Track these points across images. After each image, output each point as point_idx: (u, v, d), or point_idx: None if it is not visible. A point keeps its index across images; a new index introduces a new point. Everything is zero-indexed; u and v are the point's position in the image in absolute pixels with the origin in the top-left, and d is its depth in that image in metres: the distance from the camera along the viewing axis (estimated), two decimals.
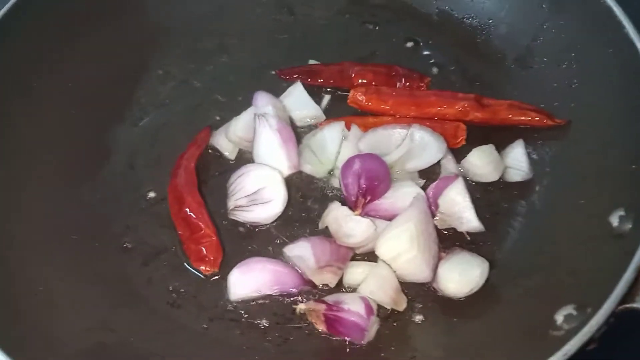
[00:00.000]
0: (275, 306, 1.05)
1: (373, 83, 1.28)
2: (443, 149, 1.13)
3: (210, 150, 1.25)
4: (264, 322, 1.04)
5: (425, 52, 1.36)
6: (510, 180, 1.15)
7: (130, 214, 1.19)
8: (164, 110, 1.33)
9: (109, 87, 1.33)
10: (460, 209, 1.05)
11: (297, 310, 1.01)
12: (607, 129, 1.08)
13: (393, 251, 0.99)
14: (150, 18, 1.42)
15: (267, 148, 1.16)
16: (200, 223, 1.09)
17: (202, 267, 1.08)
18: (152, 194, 1.20)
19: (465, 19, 1.38)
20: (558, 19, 1.23)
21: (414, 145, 1.13)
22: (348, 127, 1.21)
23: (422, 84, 1.28)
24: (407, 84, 1.27)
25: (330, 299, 1.00)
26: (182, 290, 1.09)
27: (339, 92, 1.30)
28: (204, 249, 1.08)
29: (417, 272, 1.00)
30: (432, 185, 1.10)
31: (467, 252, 1.03)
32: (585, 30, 1.17)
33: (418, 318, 1.02)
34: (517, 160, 1.15)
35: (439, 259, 1.03)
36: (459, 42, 1.37)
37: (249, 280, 1.04)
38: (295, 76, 1.33)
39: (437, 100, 1.22)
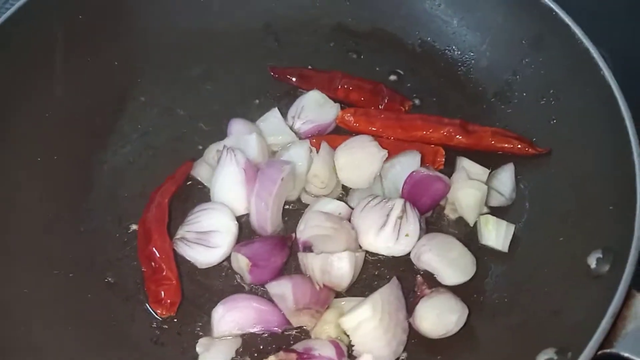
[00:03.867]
0: (262, 344, 1.06)
1: (362, 99, 1.33)
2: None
3: (189, 181, 1.25)
4: (246, 359, 1.04)
5: (408, 84, 1.38)
6: (489, 205, 1.18)
7: (112, 247, 1.18)
8: (147, 139, 1.32)
9: (91, 115, 1.32)
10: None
11: None
12: (585, 167, 1.11)
13: (354, 320, 0.98)
14: (134, 45, 1.41)
15: (228, 183, 1.16)
16: (163, 264, 1.08)
17: (158, 310, 1.07)
18: (134, 227, 1.19)
19: (446, 51, 1.41)
20: (537, 56, 1.26)
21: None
22: (316, 146, 1.23)
23: (402, 107, 1.32)
24: (389, 103, 1.31)
25: (299, 346, 1.00)
26: (166, 326, 1.09)
27: None
28: (162, 292, 1.07)
29: (376, 347, 0.97)
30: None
31: (450, 295, 1.04)
32: (564, 68, 1.20)
33: (402, 356, 1.03)
34: (503, 184, 1.19)
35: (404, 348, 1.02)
36: (440, 74, 1.39)
37: (233, 317, 1.04)
38: (286, 76, 1.37)
39: (423, 124, 1.25)
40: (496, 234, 1.12)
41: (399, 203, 1.10)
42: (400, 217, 1.09)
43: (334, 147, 1.23)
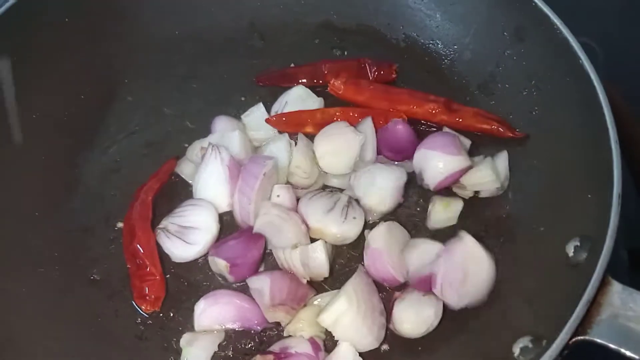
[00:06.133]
0: (245, 339, 1.06)
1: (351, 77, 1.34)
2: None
3: (175, 178, 1.26)
4: (229, 354, 1.05)
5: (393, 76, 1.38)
6: (480, 195, 1.18)
7: (98, 245, 1.19)
8: (133, 138, 1.34)
9: (77, 115, 1.34)
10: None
11: None
12: (566, 157, 1.11)
13: (332, 315, 0.98)
14: (120, 45, 1.42)
15: (212, 180, 1.17)
16: (146, 260, 1.09)
17: (143, 306, 1.08)
18: (120, 224, 1.20)
19: (430, 45, 1.41)
20: (519, 47, 1.25)
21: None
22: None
23: (390, 71, 1.36)
24: (378, 73, 1.34)
25: (275, 347, 1.01)
26: (150, 322, 1.10)
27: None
28: (146, 287, 1.08)
29: (358, 336, 0.98)
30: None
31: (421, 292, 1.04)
32: (545, 58, 1.20)
33: (383, 348, 1.04)
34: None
35: (386, 330, 1.03)
36: (425, 68, 1.39)
37: (213, 312, 1.05)
38: (273, 81, 1.38)
39: (409, 98, 1.28)
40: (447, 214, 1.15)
41: (344, 196, 1.15)
42: (347, 205, 1.12)
43: (302, 124, 1.26)
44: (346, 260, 1.15)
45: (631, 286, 0.89)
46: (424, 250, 1.08)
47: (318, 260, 1.06)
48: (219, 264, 1.09)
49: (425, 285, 1.03)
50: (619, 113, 1.66)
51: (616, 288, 0.87)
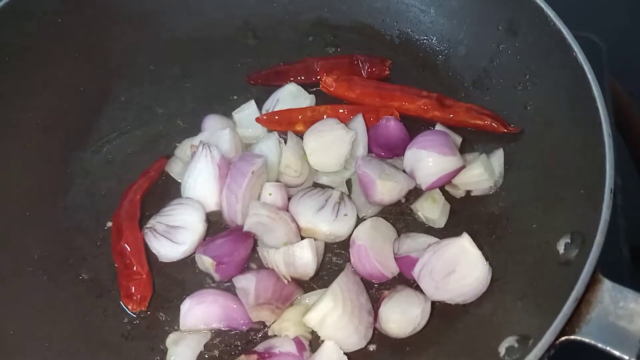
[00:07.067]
0: (232, 339, 1.05)
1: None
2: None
3: (166, 177, 1.25)
4: (216, 354, 1.03)
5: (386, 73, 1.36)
6: (473, 194, 1.16)
7: (88, 244, 1.18)
8: (125, 138, 1.33)
9: (70, 115, 1.34)
10: None
11: None
12: (559, 152, 1.08)
13: (318, 315, 0.96)
14: (114, 44, 1.42)
15: (201, 178, 1.16)
16: (133, 259, 1.09)
17: (129, 305, 1.08)
18: (110, 224, 1.20)
19: (425, 41, 1.39)
20: (513, 41, 1.23)
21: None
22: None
23: (384, 67, 1.34)
24: (371, 69, 1.33)
25: (260, 347, 0.99)
26: (137, 322, 1.09)
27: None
28: (133, 287, 1.07)
29: (344, 336, 0.96)
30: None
31: (410, 290, 1.02)
32: (539, 51, 1.17)
33: (371, 347, 1.02)
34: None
35: (374, 330, 1.01)
36: (419, 65, 1.37)
37: (199, 312, 1.04)
38: (264, 79, 1.36)
39: (401, 95, 1.26)
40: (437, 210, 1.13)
41: (336, 193, 1.12)
42: (339, 203, 1.10)
43: (293, 122, 1.24)
44: (337, 258, 1.13)
45: (633, 285, 0.86)
46: (418, 241, 1.07)
47: (305, 259, 1.04)
48: (206, 262, 1.07)
49: (407, 266, 1.00)
50: (625, 111, 1.63)
51: (607, 286, 0.84)
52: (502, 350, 0.86)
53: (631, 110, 1.65)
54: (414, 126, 1.23)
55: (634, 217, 1.33)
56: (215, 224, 1.18)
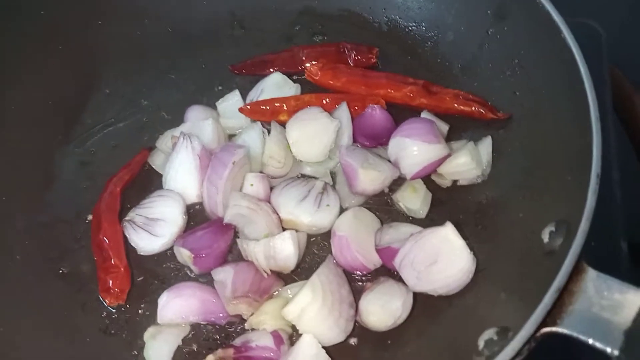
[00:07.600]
0: (210, 333, 1.03)
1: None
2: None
3: (148, 169, 1.23)
4: (194, 348, 1.01)
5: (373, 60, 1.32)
6: (459, 184, 1.13)
7: (69, 238, 1.17)
8: (109, 130, 1.32)
9: (55, 108, 1.32)
10: None
11: None
12: (548, 138, 1.04)
13: (296, 308, 0.93)
14: (98, 37, 1.40)
15: (182, 170, 1.14)
16: (111, 252, 1.07)
17: (107, 299, 1.06)
18: (90, 217, 1.18)
19: (413, 27, 1.35)
20: (502, 25, 1.19)
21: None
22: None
23: (371, 55, 1.31)
24: (358, 57, 1.30)
25: (237, 341, 0.97)
26: (115, 315, 1.07)
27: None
28: (110, 280, 1.05)
29: (323, 329, 0.93)
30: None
31: (392, 282, 0.99)
32: (528, 35, 1.13)
33: (352, 341, 0.99)
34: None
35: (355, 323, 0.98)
36: (408, 52, 1.34)
37: (176, 305, 1.02)
38: (249, 69, 1.34)
39: (387, 82, 1.23)
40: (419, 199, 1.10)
41: (319, 183, 1.08)
42: (321, 193, 1.06)
43: (276, 112, 1.21)
44: (319, 250, 1.10)
45: (631, 280, 0.82)
46: (400, 231, 1.03)
47: (286, 251, 1.01)
48: (184, 254, 1.05)
49: (389, 257, 0.98)
50: (628, 100, 1.58)
51: (591, 275, 0.80)
52: (481, 343, 0.83)
53: (634, 100, 1.60)
54: (401, 114, 1.19)
55: (633, 212, 1.29)
56: (197, 215, 1.16)
